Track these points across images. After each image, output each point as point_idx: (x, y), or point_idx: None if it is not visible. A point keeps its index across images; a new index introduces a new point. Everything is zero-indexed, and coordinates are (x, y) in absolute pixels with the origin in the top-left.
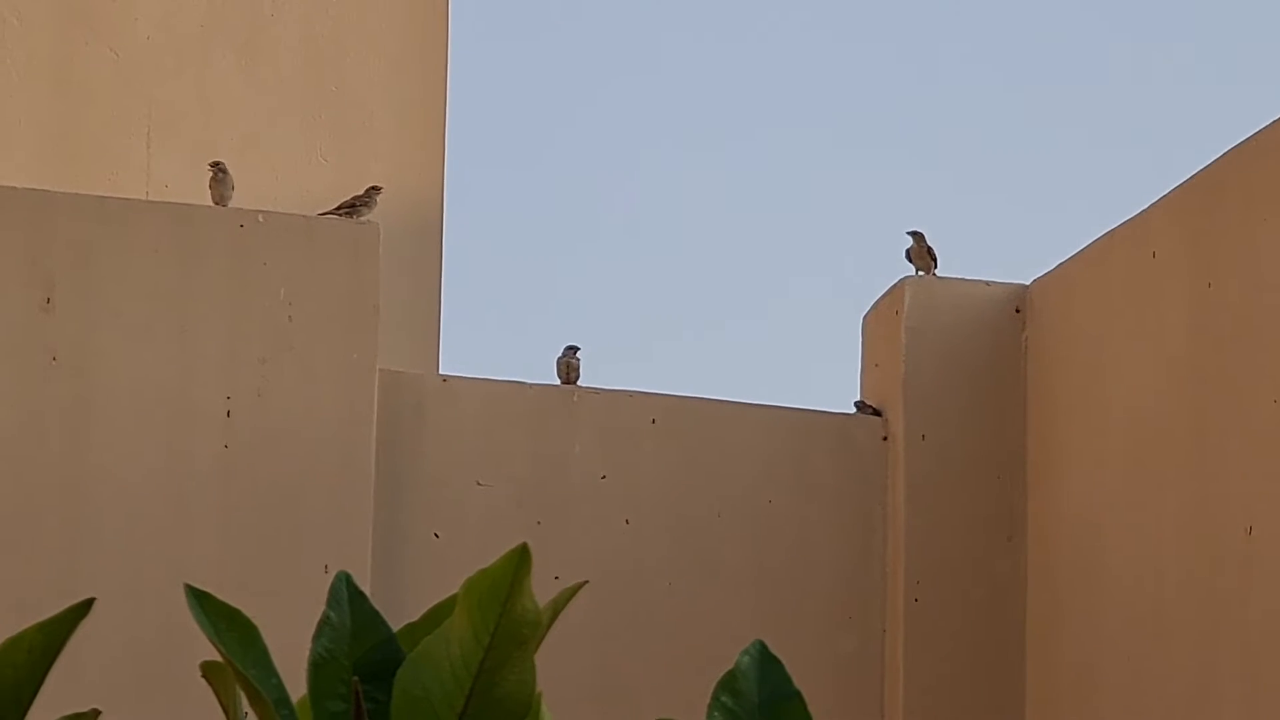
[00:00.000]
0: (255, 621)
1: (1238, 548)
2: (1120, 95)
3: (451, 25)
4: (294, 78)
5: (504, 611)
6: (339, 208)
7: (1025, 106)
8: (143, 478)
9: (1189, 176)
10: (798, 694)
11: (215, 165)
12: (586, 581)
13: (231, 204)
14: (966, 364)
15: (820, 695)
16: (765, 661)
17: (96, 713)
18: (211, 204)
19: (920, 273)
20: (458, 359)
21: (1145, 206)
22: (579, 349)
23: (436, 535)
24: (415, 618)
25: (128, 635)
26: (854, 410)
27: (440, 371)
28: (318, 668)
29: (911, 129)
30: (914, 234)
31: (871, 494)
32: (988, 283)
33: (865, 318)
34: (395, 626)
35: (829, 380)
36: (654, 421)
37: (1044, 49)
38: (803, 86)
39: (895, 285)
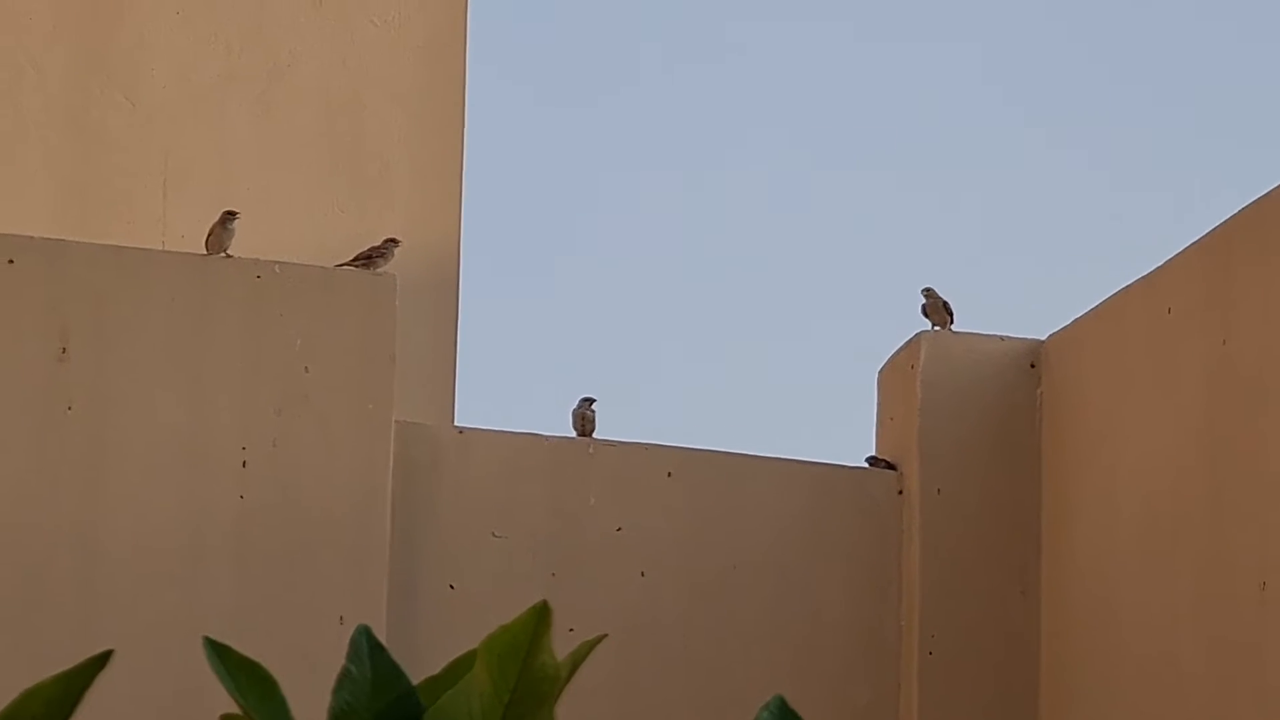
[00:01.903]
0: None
1: (1252, 603)
2: (1137, 151)
3: (469, 77)
4: (311, 128)
5: (524, 668)
6: (356, 259)
7: (1043, 162)
8: (158, 528)
9: (1205, 233)
10: None
11: (228, 214)
12: (605, 635)
13: (249, 255)
14: (981, 419)
15: None
16: (784, 716)
17: None
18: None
19: (936, 327)
20: (474, 411)
21: (1161, 262)
22: (594, 400)
23: (452, 587)
24: (431, 669)
25: (145, 687)
26: (868, 465)
27: (456, 423)
28: None
29: (929, 185)
30: (926, 291)
31: (886, 548)
32: (1003, 338)
33: (881, 372)
34: (410, 676)
35: (845, 434)
36: (670, 474)
37: (1062, 106)
38: (819, 139)
39: (911, 340)
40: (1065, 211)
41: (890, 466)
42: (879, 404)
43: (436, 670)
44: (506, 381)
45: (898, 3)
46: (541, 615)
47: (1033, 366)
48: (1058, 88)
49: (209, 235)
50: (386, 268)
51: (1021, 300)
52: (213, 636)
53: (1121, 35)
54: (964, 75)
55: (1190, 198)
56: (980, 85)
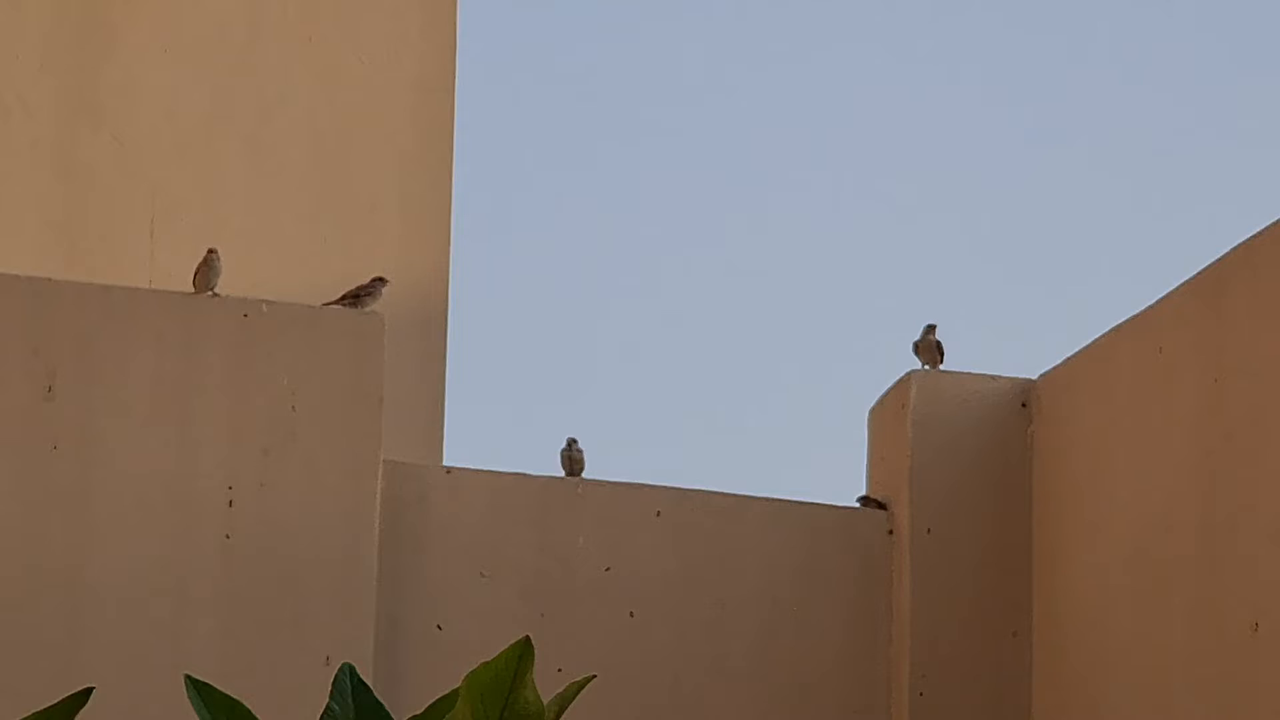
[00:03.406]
0: (255, 712)
1: (1244, 644)
2: (1126, 191)
3: (457, 115)
4: (299, 167)
5: (507, 704)
6: (343, 298)
7: (1030, 199)
8: (144, 567)
9: (1195, 272)
10: None
11: (212, 252)
12: (594, 676)
13: (237, 294)
14: (972, 458)
15: None
16: None
17: None
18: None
19: (926, 366)
20: (462, 450)
21: (1152, 302)
22: (577, 440)
23: (439, 627)
24: (417, 709)
25: None
26: (859, 504)
27: (444, 462)
28: None
29: (915, 222)
30: (929, 326)
31: (876, 588)
32: (993, 377)
33: (871, 411)
34: (397, 718)
35: (834, 474)
36: (658, 514)
37: (1054, 141)
38: (806, 176)
39: (901, 379)
40: (1057, 249)
41: (881, 506)
42: (869, 443)
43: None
44: (495, 421)
45: (864, 49)
46: (524, 651)
47: (1024, 406)
48: (1051, 122)
49: (195, 274)
50: (375, 306)
51: (1012, 339)
52: (196, 676)
53: (1123, 57)
54: (956, 111)
55: (1183, 236)
56: (975, 120)
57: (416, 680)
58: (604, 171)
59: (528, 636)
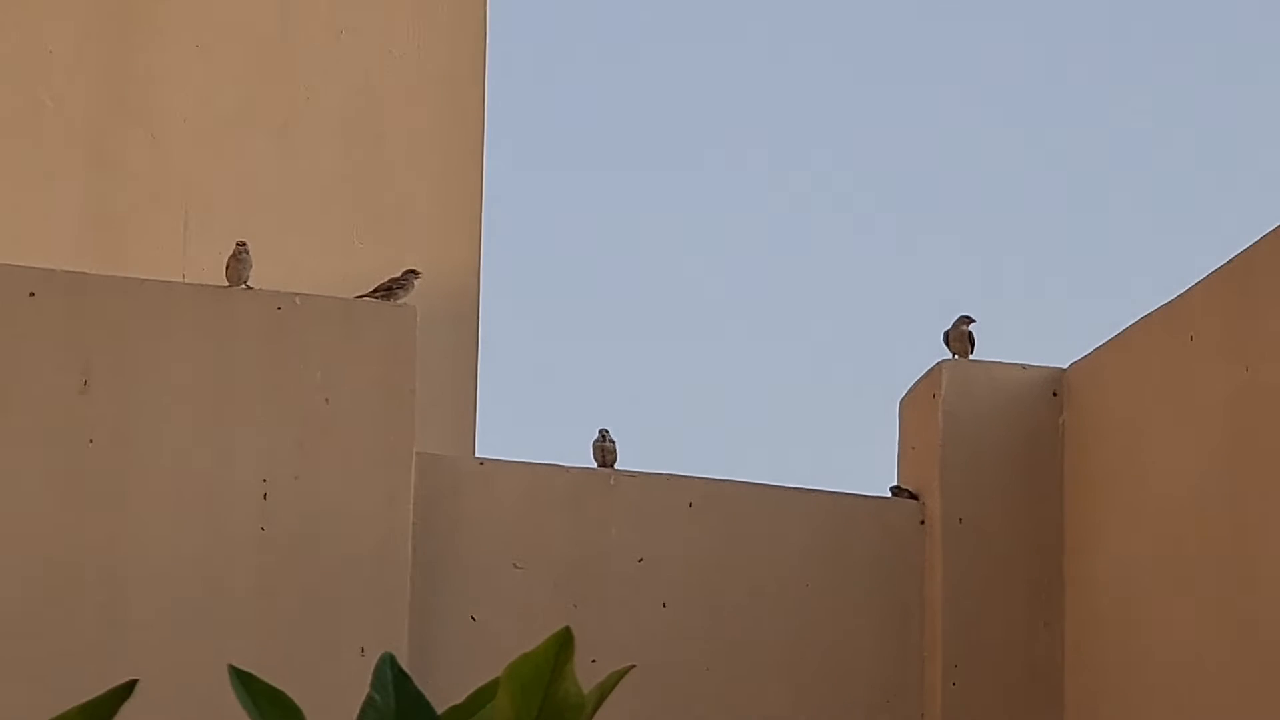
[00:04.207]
0: None
1: (1277, 630)
2: (1160, 178)
3: (488, 109)
4: (331, 161)
5: (546, 695)
6: (376, 290)
7: (1064, 189)
8: (180, 560)
9: (1226, 260)
10: None
11: (241, 244)
12: (633, 666)
13: (270, 287)
14: (1003, 448)
15: None
16: None
17: None
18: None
19: (956, 355)
20: (495, 442)
21: (1183, 290)
22: (609, 431)
23: (473, 618)
24: (452, 701)
25: (169, 717)
26: (890, 494)
27: (477, 454)
28: None
29: (950, 212)
30: (963, 317)
31: (909, 577)
32: (1024, 366)
33: (902, 401)
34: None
35: (866, 464)
36: (691, 504)
37: (1085, 133)
38: (838, 170)
39: (932, 368)
40: (1089, 237)
41: (913, 496)
42: (900, 433)
43: (457, 702)
44: (527, 412)
45: (920, 40)
46: (564, 643)
47: (1055, 395)
48: (1078, 116)
49: (227, 267)
50: (407, 299)
51: (1044, 329)
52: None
53: (1166, 37)
54: (976, 109)
55: (1215, 226)
56: (995, 122)
57: (451, 671)
58: (636, 161)
59: (568, 628)
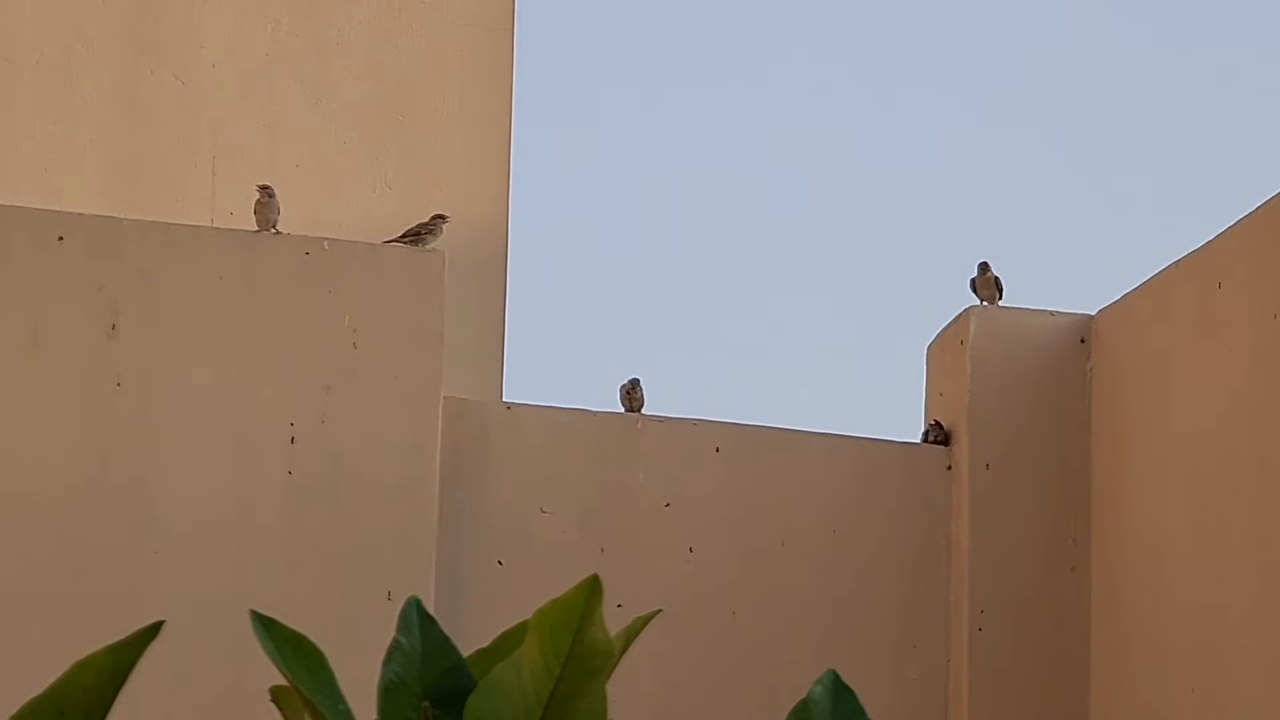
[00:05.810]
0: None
1: None
2: (1183, 127)
3: (517, 53)
4: (359, 105)
5: (575, 641)
6: (404, 235)
7: (1093, 138)
8: (207, 504)
9: (1255, 207)
10: None
11: (263, 189)
12: (660, 611)
13: (298, 232)
14: (1031, 394)
15: None
16: (838, 692)
17: None
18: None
19: (984, 303)
20: (522, 386)
21: (1211, 237)
22: (640, 380)
23: (500, 563)
24: (478, 645)
25: (193, 659)
26: (925, 435)
27: (504, 399)
28: (388, 693)
29: (978, 161)
30: (981, 265)
31: (936, 523)
32: (1052, 313)
33: (930, 347)
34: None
35: (893, 409)
36: (718, 450)
37: (1111, 83)
38: (868, 122)
39: (960, 315)
40: (1118, 184)
41: (947, 435)
42: (928, 379)
43: (483, 646)
44: (555, 357)
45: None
46: (593, 589)
47: (1082, 341)
48: (1113, 60)
49: (255, 211)
50: (435, 244)
51: (1072, 275)
52: (260, 611)
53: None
54: (1013, 69)
55: (1243, 170)
56: (1027, 79)
57: (477, 615)
58: (665, 109)
59: (596, 575)
